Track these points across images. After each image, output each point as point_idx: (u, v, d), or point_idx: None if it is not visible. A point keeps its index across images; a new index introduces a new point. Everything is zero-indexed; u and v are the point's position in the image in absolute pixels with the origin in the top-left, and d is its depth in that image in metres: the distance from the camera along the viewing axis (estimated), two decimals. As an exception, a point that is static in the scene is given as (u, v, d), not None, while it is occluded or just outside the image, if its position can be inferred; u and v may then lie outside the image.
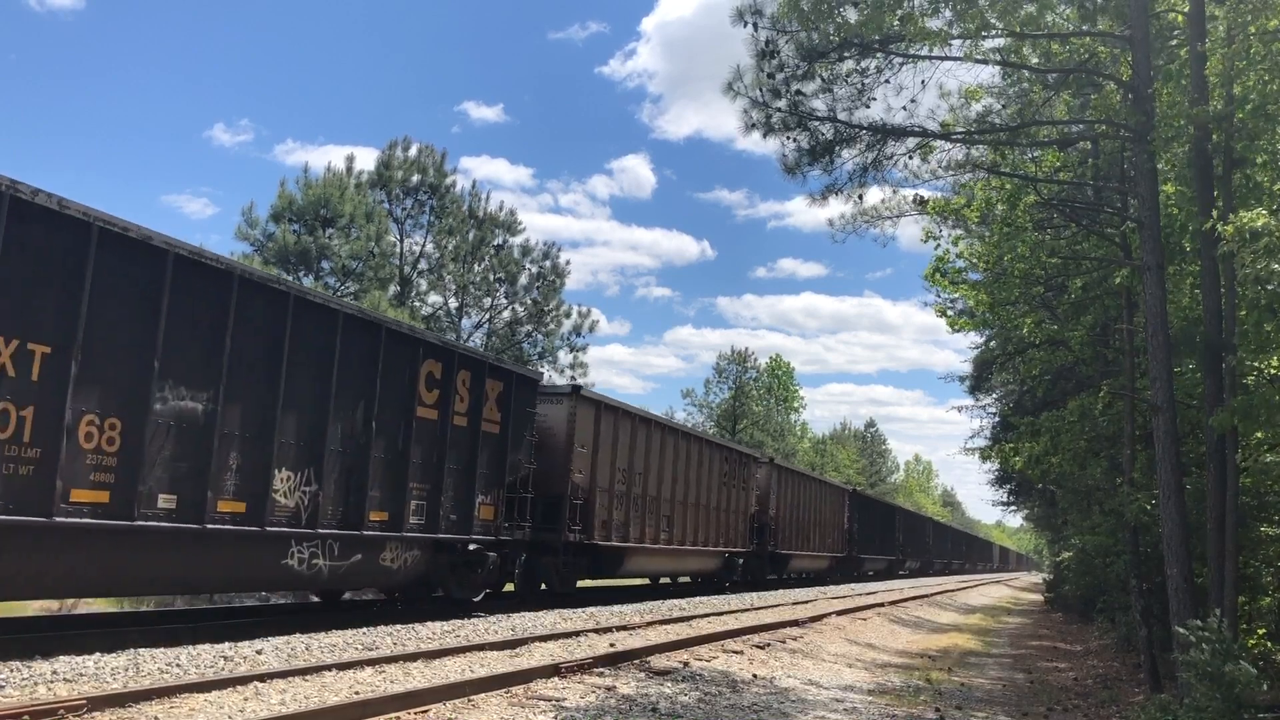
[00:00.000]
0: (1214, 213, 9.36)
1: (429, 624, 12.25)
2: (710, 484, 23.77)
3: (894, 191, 13.06)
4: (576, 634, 12.36)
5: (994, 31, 10.52)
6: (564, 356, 37.44)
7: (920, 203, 13.81)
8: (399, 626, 11.75)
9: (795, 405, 66.03)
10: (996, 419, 28.95)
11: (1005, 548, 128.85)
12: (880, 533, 45.73)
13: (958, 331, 18.39)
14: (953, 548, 68.25)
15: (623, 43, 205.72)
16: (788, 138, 10.95)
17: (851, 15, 10.35)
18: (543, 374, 16.91)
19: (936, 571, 55.13)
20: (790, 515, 30.62)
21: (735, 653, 12.60)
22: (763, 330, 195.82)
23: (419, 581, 13.72)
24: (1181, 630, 8.19)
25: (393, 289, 32.35)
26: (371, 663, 8.84)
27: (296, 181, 29.90)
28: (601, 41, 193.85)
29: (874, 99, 10.80)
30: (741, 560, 26.69)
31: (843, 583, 36.52)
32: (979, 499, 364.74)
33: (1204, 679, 7.39)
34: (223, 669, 8.07)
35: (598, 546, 18.03)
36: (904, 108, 10.76)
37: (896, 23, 10.17)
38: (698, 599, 21.23)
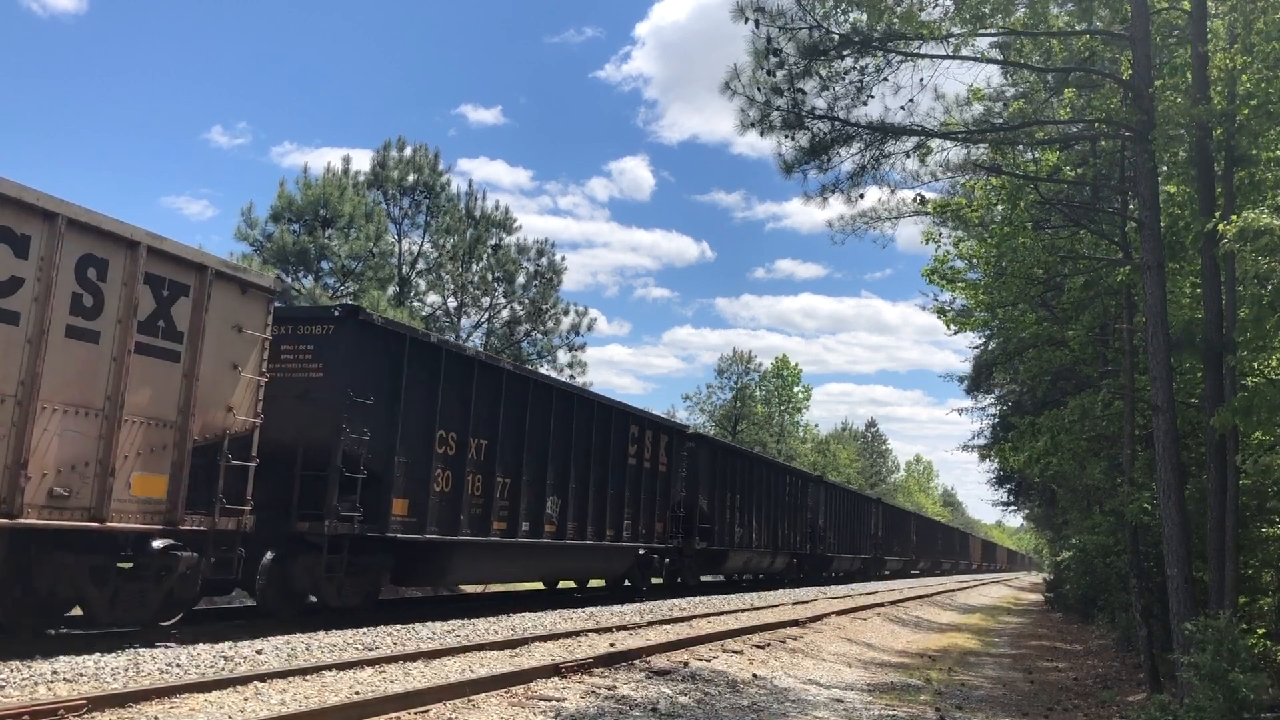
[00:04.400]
0: (1215, 213, 9.35)
1: (429, 624, 12.24)
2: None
3: (892, 192, 13.00)
4: (577, 634, 12.35)
5: (992, 27, 10.49)
6: (562, 356, 37.39)
7: (921, 202, 13.77)
8: (399, 626, 11.74)
9: (800, 406, 66.06)
10: (996, 419, 28.90)
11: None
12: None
13: (957, 332, 18.35)
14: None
15: (617, 47, 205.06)
16: (786, 135, 10.91)
17: (853, 13, 10.33)
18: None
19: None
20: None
21: (735, 652, 12.59)
22: (762, 330, 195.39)
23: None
24: (1189, 627, 8.18)
25: (391, 289, 32.29)
26: (371, 663, 8.83)
27: (296, 182, 29.76)
28: (597, 46, 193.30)
29: (872, 97, 10.76)
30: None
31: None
32: (979, 499, 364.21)
33: (1205, 679, 7.38)
34: (223, 669, 8.06)
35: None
36: (903, 107, 10.71)
37: (893, 3, 10.13)
38: (701, 598, 21.25)
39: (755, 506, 27.35)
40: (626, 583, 20.57)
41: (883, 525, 45.53)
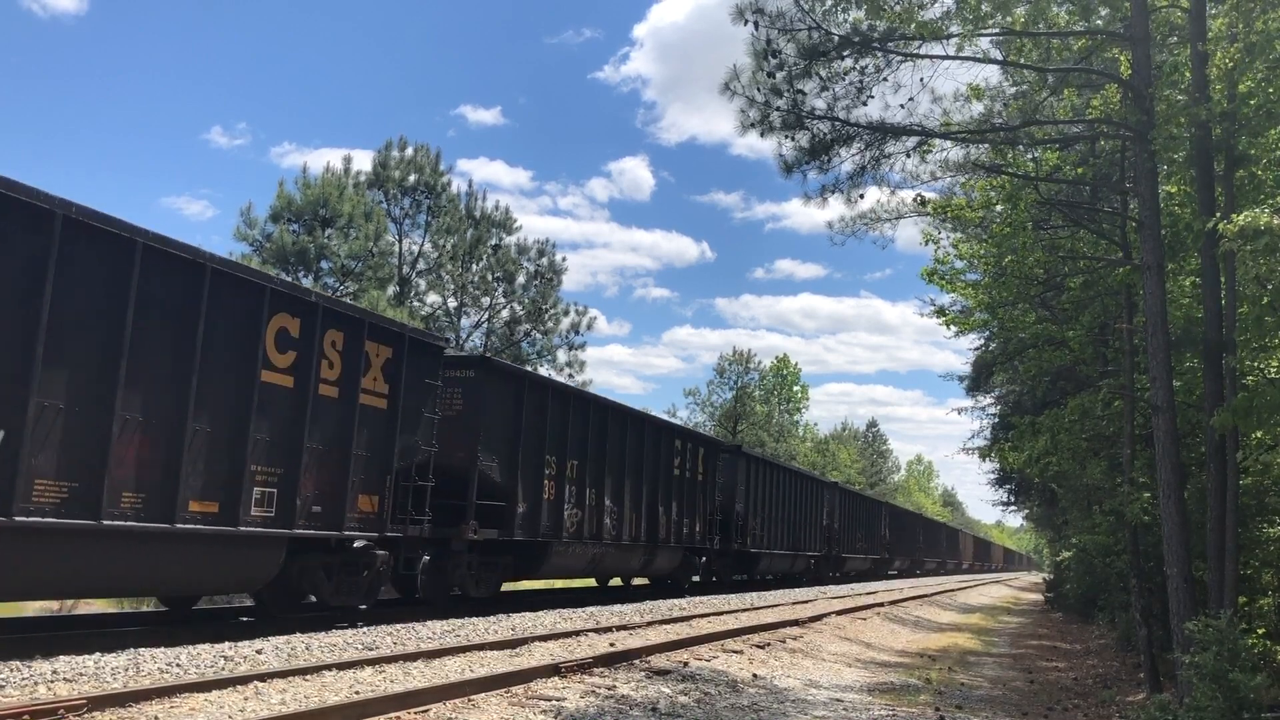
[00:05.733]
0: (1215, 213, 9.35)
1: (429, 624, 12.25)
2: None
3: (892, 192, 13.00)
4: (576, 634, 12.36)
5: (992, 26, 10.50)
6: (562, 355, 37.52)
7: (920, 202, 13.76)
8: (399, 626, 11.75)
9: (799, 405, 66.12)
10: (996, 419, 28.92)
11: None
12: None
13: (958, 334, 18.36)
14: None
15: (616, 48, 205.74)
16: (786, 136, 10.91)
17: (852, 11, 10.35)
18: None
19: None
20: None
21: (735, 652, 12.59)
22: (762, 331, 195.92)
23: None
24: (1189, 627, 8.19)
25: (391, 289, 32.33)
26: (371, 662, 8.83)
27: (295, 182, 29.84)
28: (595, 47, 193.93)
29: (872, 97, 10.76)
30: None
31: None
32: (979, 499, 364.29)
33: (1205, 679, 7.38)
34: (223, 669, 8.06)
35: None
36: (902, 105, 10.72)
37: (894, 4, 10.14)
38: (696, 599, 21.23)
39: (613, 481, 18.37)
40: (313, 597, 12.01)
41: (840, 516, 36.89)
